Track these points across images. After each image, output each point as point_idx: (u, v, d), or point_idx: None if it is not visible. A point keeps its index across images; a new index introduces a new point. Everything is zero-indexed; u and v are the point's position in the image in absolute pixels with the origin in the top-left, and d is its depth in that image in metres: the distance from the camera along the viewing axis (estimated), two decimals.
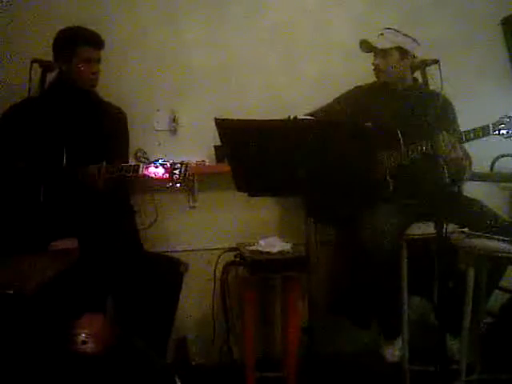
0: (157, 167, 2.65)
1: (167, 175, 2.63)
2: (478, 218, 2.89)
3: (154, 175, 2.65)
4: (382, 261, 2.83)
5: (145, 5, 3.43)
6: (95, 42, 2.92)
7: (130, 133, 3.16)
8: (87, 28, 2.95)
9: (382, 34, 3.10)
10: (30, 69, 2.63)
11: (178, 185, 2.65)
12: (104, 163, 2.69)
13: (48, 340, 2.21)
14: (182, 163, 2.67)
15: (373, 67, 3.13)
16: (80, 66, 2.89)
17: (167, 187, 2.64)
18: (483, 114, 2.96)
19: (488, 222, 2.83)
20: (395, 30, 3.08)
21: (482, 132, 2.85)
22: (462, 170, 2.99)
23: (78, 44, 2.88)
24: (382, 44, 3.07)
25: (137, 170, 2.67)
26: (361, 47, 3.12)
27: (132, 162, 3.15)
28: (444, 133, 2.82)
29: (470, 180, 3.17)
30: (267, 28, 3.54)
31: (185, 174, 2.65)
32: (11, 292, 1.96)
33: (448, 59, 3.00)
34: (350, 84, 3.28)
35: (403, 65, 3.10)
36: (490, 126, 2.85)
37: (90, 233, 2.70)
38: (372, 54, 3.13)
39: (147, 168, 2.66)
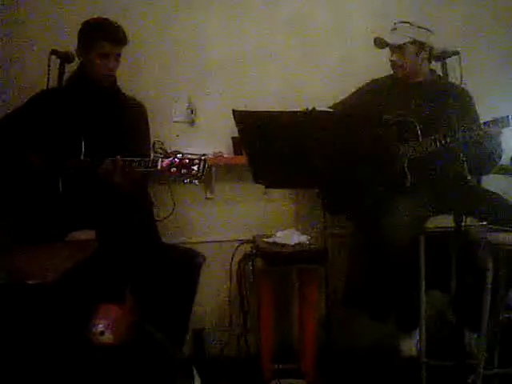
0: (174, 164, 2.60)
1: (185, 171, 2.59)
2: (497, 211, 2.86)
3: (171, 171, 2.60)
4: (400, 254, 2.82)
5: None
6: (114, 37, 2.89)
7: None
8: (111, 21, 2.91)
9: (394, 29, 3.07)
10: (49, 60, 2.63)
11: (196, 181, 2.61)
12: (119, 157, 2.66)
13: (66, 330, 2.23)
14: (200, 159, 2.60)
15: (390, 62, 3.11)
16: (96, 60, 2.87)
17: (185, 182, 2.60)
18: (503, 105, 2.94)
19: (507, 215, 2.81)
20: (409, 22, 3.05)
21: (502, 123, 2.83)
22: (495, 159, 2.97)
23: (96, 38, 2.86)
24: (396, 40, 3.04)
25: (155, 165, 2.65)
26: (375, 44, 3.09)
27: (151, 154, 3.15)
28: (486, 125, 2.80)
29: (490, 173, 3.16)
30: (286, 18, 3.53)
31: (203, 171, 2.59)
32: (31, 282, 1.97)
33: (467, 50, 2.98)
34: (370, 74, 3.27)
35: (420, 57, 3.07)
36: (510, 116, 2.82)
37: (108, 224, 2.71)
38: (389, 49, 3.11)
39: (165, 162, 2.62)
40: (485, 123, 2.85)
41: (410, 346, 3.05)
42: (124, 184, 2.69)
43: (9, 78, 3.30)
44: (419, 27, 3.03)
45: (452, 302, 3.08)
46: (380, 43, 3.08)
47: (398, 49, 3.06)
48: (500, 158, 3.01)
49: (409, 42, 3.03)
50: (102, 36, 2.86)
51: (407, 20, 3.06)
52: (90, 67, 2.91)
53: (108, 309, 2.37)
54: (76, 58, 2.85)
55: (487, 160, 2.99)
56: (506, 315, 2.90)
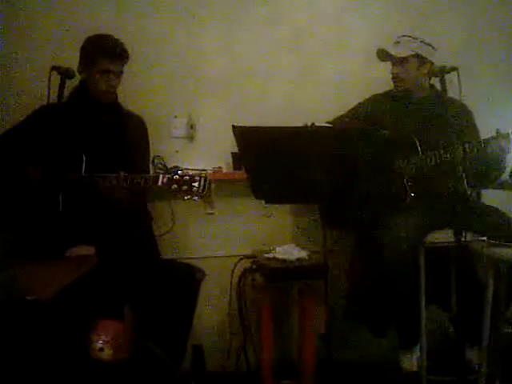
0: (175, 180, 2.60)
1: (186, 187, 2.60)
2: (496, 226, 2.86)
3: (172, 187, 2.60)
4: (401, 268, 2.81)
5: (162, 11, 3.45)
6: (116, 54, 2.90)
7: None
8: (113, 38, 2.93)
9: (398, 42, 3.08)
10: (50, 76, 2.64)
11: (197, 198, 2.61)
12: (122, 173, 2.68)
13: (65, 347, 2.22)
14: (201, 176, 2.60)
15: (391, 76, 3.12)
16: (97, 76, 2.88)
17: (185, 199, 2.60)
18: (502, 121, 2.94)
19: (507, 230, 2.81)
20: (412, 36, 3.07)
21: (503, 139, 2.82)
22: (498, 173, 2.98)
23: (97, 54, 2.87)
24: (399, 52, 3.06)
25: (156, 181, 2.65)
26: (378, 56, 3.11)
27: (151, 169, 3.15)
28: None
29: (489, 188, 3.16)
30: (285, 34, 3.54)
31: (204, 188, 2.59)
32: (30, 298, 1.97)
33: (466, 65, 2.98)
34: (370, 89, 3.28)
35: (421, 72, 3.08)
36: (510, 132, 2.82)
37: (107, 240, 2.71)
38: (390, 61, 3.12)
39: (165, 179, 2.62)
40: (485, 139, 2.85)
41: (411, 361, 3.03)
42: (125, 199, 2.69)
43: (9, 94, 3.31)
44: (422, 42, 3.05)
45: (452, 318, 3.07)
46: (382, 55, 3.09)
47: (399, 62, 3.07)
48: (501, 171, 3.01)
49: (411, 56, 3.05)
50: (104, 53, 2.88)
51: (410, 34, 3.08)
52: (92, 83, 2.92)
53: (107, 325, 2.36)
54: (77, 74, 2.86)
55: (487, 174, 2.99)
56: (507, 330, 2.89)
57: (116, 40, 2.93)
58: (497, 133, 2.78)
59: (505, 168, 2.98)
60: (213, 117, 3.48)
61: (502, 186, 3.23)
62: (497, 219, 2.93)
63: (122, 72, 2.96)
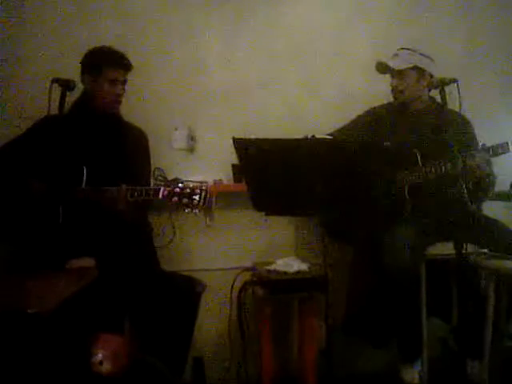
0: (176, 193, 2.61)
1: (186, 200, 2.60)
2: (497, 238, 2.86)
3: (172, 200, 2.60)
4: (402, 281, 2.81)
5: (163, 24, 3.46)
6: (122, 63, 2.96)
7: None
8: (116, 49, 2.97)
9: (397, 55, 3.10)
10: (50, 88, 2.65)
11: (197, 210, 2.61)
12: (124, 186, 2.68)
13: (66, 360, 2.21)
14: (201, 189, 2.61)
15: (390, 88, 3.13)
16: (105, 86, 2.92)
17: (186, 211, 2.60)
18: (502, 132, 2.95)
19: (508, 242, 2.80)
20: (411, 49, 3.08)
21: (501, 149, 2.83)
22: (488, 187, 2.96)
23: (104, 64, 2.92)
24: (397, 65, 3.07)
25: (157, 194, 2.66)
26: (377, 69, 3.12)
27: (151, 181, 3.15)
28: (474, 153, 2.79)
29: (490, 199, 3.15)
30: (286, 46, 3.56)
31: (204, 200, 2.59)
32: (31, 311, 1.96)
33: (466, 78, 2.99)
34: (370, 102, 3.29)
35: (420, 84, 3.09)
36: (509, 142, 2.82)
37: (108, 252, 2.70)
38: (389, 74, 3.13)
39: (166, 191, 2.62)
40: (484, 149, 2.85)
41: (413, 374, 3.02)
42: (127, 212, 2.69)
43: (10, 106, 3.31)
44: (421, 54, 3.06)
45: (453, 330, 3.05)
46: (381, 68, 3.10)
47: (398, 74, 3.08)
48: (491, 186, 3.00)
49: (410, 68, 3.06)
50: (110, 63, 2.92)
51: (409, 47, 3.09)
52: (98, 93, 2.94)
53: (107, 339, 2.35)
54: (78, 86, 2.86)
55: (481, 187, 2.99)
56: (508, 343, 2.88)
57: (118, 51, 2.97)
58: (481, 147, 2.80)
59: (493, 181, 2.98)
60: (213, 129, 3.49)
61: (502, 197, 3.23)
62: (497, 231, 2.93)
63: (126, 81, 3.00)
